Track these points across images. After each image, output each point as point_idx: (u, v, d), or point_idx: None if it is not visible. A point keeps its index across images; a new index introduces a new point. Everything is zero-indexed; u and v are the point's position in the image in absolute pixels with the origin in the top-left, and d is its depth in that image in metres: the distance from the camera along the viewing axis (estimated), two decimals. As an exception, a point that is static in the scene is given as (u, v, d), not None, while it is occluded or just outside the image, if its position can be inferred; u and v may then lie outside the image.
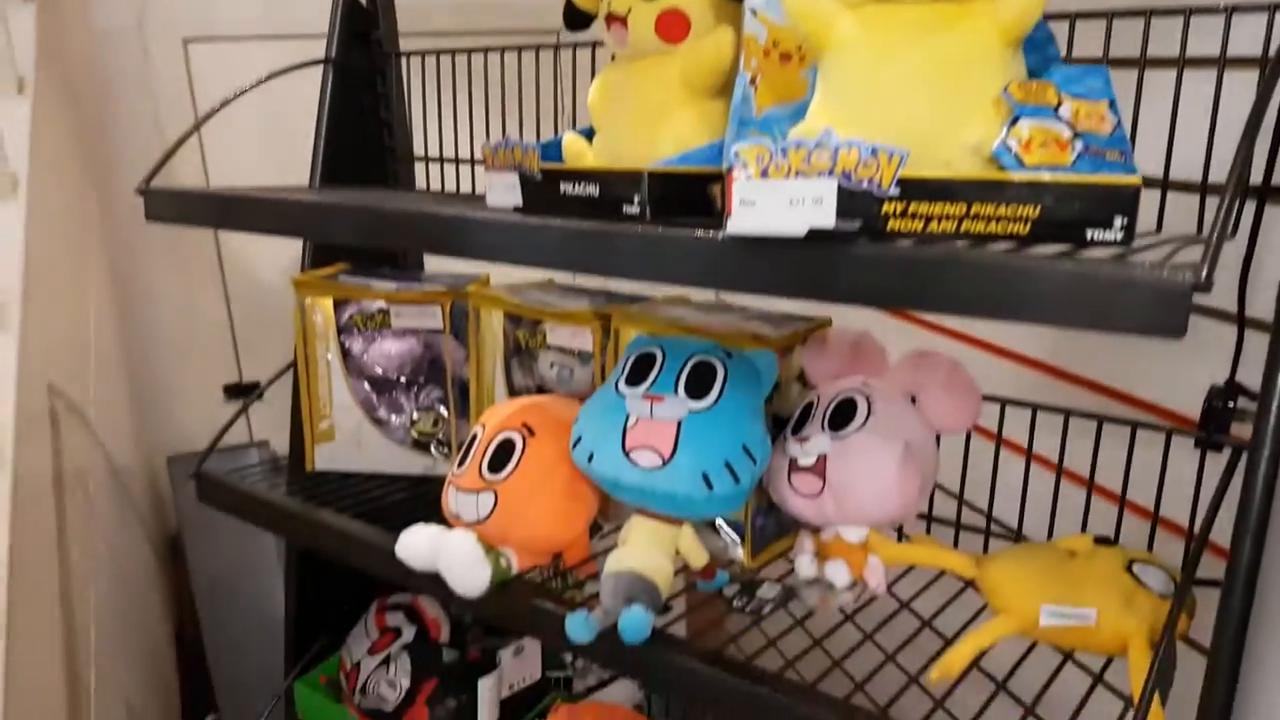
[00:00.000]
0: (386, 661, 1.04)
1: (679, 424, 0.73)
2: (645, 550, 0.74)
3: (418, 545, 0.80)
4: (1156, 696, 0.59)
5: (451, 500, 0.82)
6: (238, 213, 0.87)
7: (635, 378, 0.76)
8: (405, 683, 1.02)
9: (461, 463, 0.82)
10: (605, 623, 0.71)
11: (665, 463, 0.73)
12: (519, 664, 1.01)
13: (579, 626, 0.71)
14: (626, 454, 0.74)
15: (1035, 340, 1.12)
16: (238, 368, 1.59)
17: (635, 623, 0.69)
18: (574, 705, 1.03)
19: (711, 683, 0.67)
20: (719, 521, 0.85)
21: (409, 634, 1.07)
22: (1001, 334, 1.16)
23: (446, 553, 0.77)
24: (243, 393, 1.55)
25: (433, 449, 1.01)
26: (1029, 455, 0.85)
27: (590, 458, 0.76)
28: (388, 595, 1.14)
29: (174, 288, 1.55)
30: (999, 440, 0.87)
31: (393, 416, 1.02)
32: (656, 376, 0.75)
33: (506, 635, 1.07)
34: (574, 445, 0.77)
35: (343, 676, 1.09)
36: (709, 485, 0.72)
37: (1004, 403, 0.87)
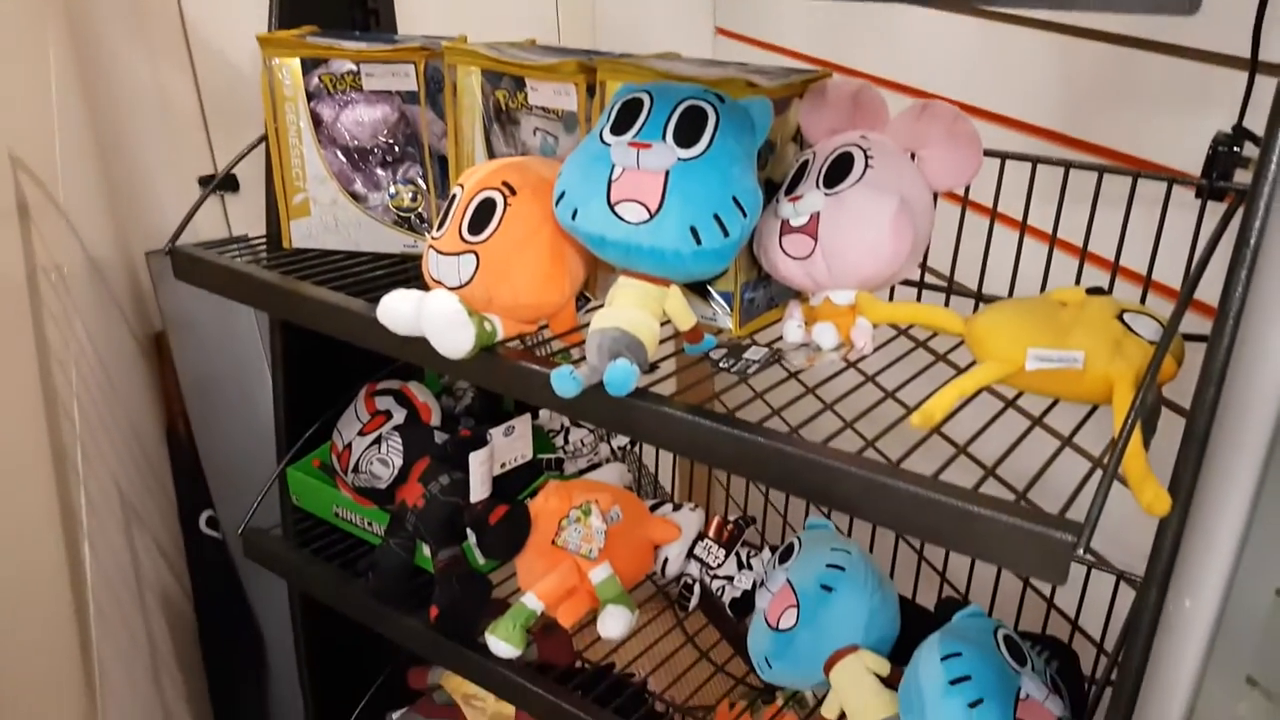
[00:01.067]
0: (378, 441, 1.05)
1: (667, 174, 0.70)
2: (631, 309, 0.73)
3: (400, 309, 0.78)
4: (1140, 438, 0.60)
5: (432, 265, 0.79)
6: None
7: (621, 126, 0.72)
8: (398, 460, 1.04)
9: (441, 225, 0.80)
10: (591, 379, 0.71)
11: (652, 216, 0.70)
12: (510, 443, 1.01)
13: (565, 381, 0.70)
14: (612, 208, 0.71)
15: (1035, 106, 1.08)
16: (212, 159, 1.53)
17: (620, 375, 0.69)
18: (565, 481, 1.05)
19: (696, 431, 0.67)
20: (710, 290, 0.83)
21: (399, 416, 1.08)
22: (1002, 100, 1.12)
23: (429, 314, 0.75)
24: (220, 186, 1.51)
25: (412, 223, 0.99)
26: (1025, 213, 0.83)
27: (574, 214, 0.73)
28: (376, 383, 1.14)
29: (140, 72, 1.47)
30: (996, 199, 0.85)
31: (370, 192, 0.99)
32: (644, 124, 0.71)
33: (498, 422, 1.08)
34: (557, 202, 0.74)
35: (334, 459, 1.10)
36: (697, 239, 0.70)
37: (1004, 156, 0.84)
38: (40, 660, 0.88)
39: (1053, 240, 0.83)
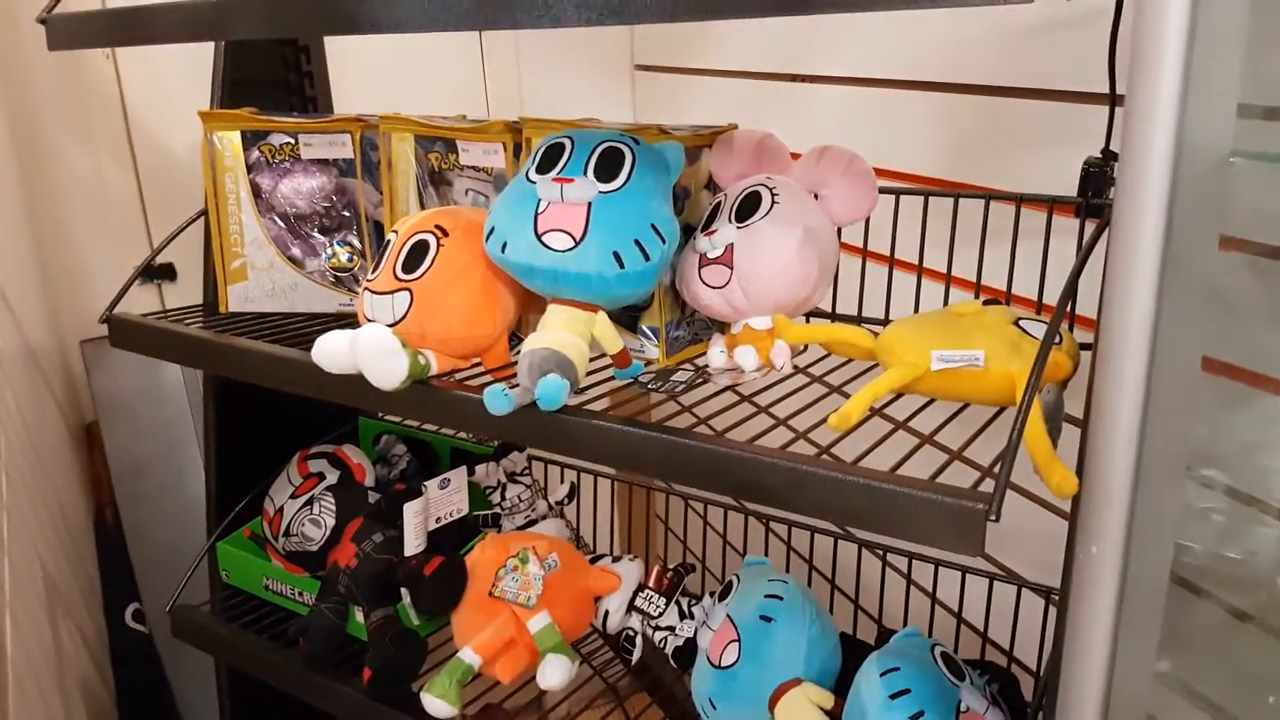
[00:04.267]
0: (310, 502, 1.05)
1: (589, 205, 0.75)
2: (560, 331, 0.76)
3: (334, 344, 0.80)
4: (1043, 426, 0.64)
5: (367, 305, 0.82)
6: (141, 25, 0.85)
7: (545, 166, 0.77)
8: (330, 521, 1.03)
9: (375, 269, 0.83)
10: (523, 399, 0.73)
11: (577, 244, 0.74)
12: (445, 497, 1.02)
13: (497, 399, 0.72)
14: (539, 238, 0.75)
15: (925, 158, 1.17)
16: (151, 250, 1.55)
17: (551, 389, 0.71)
18: (503, 535, 1.05)
19: (627, 439, 0.70)
20: (638, 324, 0.87)
21: (332, 477, 1.08)
22: (895, 157, 1.21)
23: (363, 344, 0.77)
24: (157, 275, 1.52)
25: (348, 284, 1.01)
26: (922, 239, 0.89)
27: (504, 247, 0.77)
28: (309, 449, 1.14)
29: (80, 160, 1.50)
30: (895, 229, 0.92)
31: (307, 258, 1.02)
32: (566, 162, 0.77)
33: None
34: (487, 237, 0.78)
35: (265, 525, 1.09)
36: (620, 264, 0.74)
37: (898, 192, 0.91)
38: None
39: (949, 269, 0.89)
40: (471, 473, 1.13)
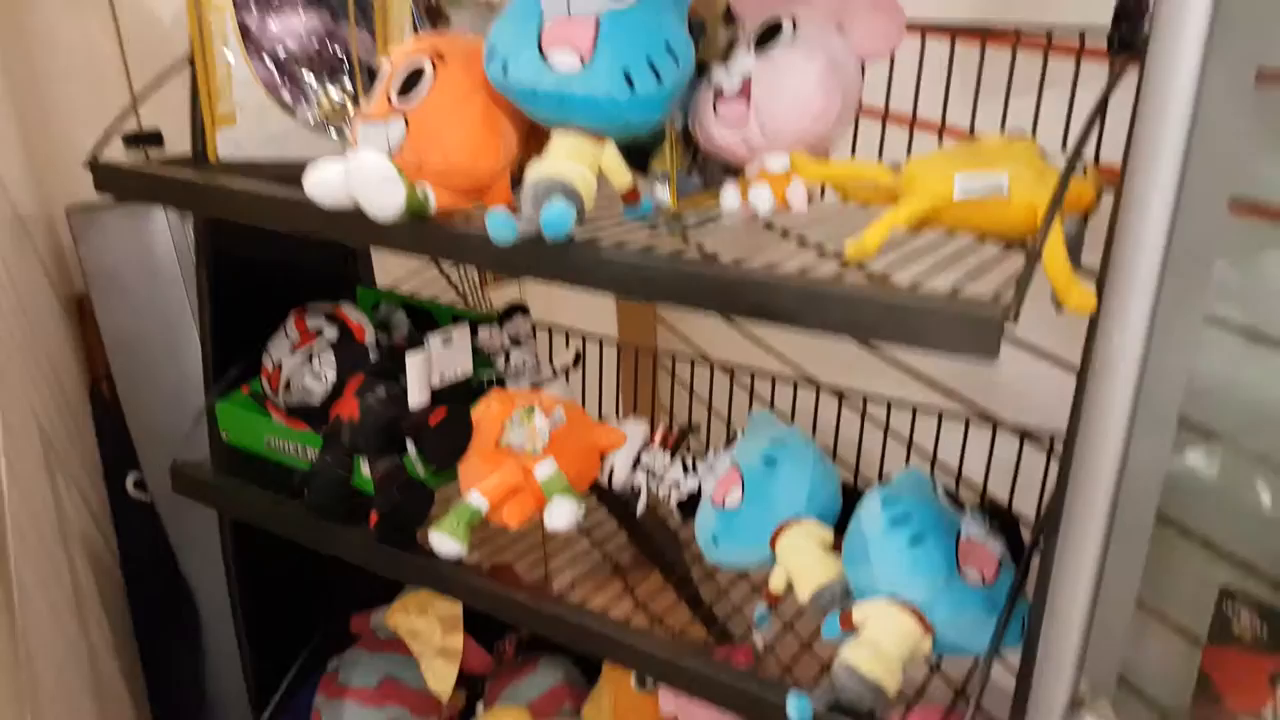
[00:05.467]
0: (310, 357, 1.03)
1: (598, 21, 0.71)
2: (565, 161, 0.73)
3: (328, 177, 0.77)
4: (1062, 246, 0.62)
5: (360, 136, 0.78)
6: None
7: (550, -20, 0.73)
8: (331, 375, 1.02)
9: (369, 99, 0.79)
10: (527, 229, 0.70)
11: (585, 64, 0.71)
12: (448, 354, 1.00)
13: (500, 225, 0.70)
14: (543, 56, 0.71)
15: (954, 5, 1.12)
16: (136, 115, 1.50)
17: (556, 215, 0.69)
18: (508, 390, 1.04)
19: (638, 269, 0.68)
20: (648, 166, 0.84)
21: (331, 334, 1.06)
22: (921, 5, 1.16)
23: (358, 170, 0.74)
24: (143, 141, 1.47)
25: (341, 130, 0.98)
26: (948, 81, 0.86)
27: (505, 69, 0.73)
28: (306, 306, 1.11)
29: (62, 25, 1.44)
30: (920, 70, 0.88)
31: (298, 103, 0.98)
32: (573, -25, 0.72)
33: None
34: (488, 60, 0.74)
35: (264, 381, 1.07)
36: (630, 85, 0.70)
37: (924, 28, 0.87)
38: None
39: (973, 114, 0.86)
40: (475, 336, 1.11)
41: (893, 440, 1.05)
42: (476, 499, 0.94)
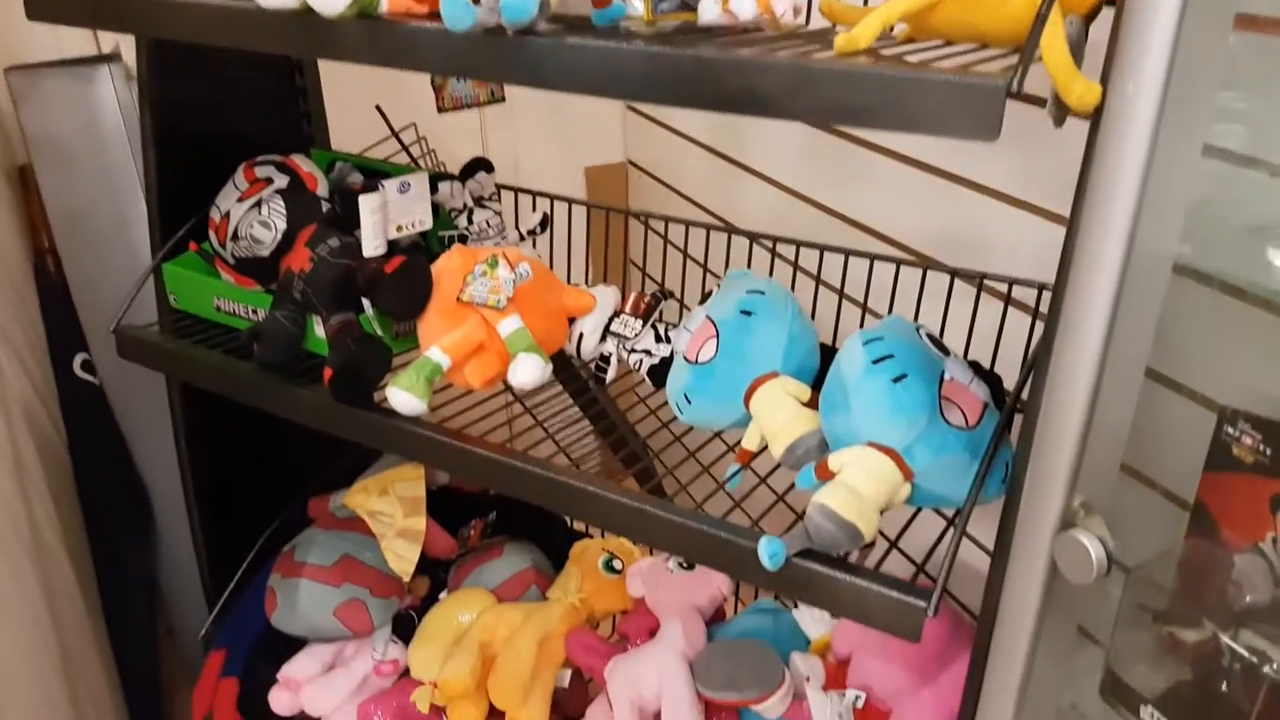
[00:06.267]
0: (259, 204, 0.97)
1: None
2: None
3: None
4: (1063, 38, 0.57)
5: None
6: None
7: None
8: (280, 224, 0.96)
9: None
10: (486, 18, 0.64)
11: None
12: (406, 202, 0.94)
13: (456, 10, 0.64)
14: None
15: None
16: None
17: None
18: (470, 247, 0.98)
19: (610, 61, 0.62)
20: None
21: (281, 181, 1.00)
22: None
23: (303, -39, 0.68)
24: None
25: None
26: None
27: None
28: (256, 157, 1.05)
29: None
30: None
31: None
32: None
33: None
34: None
35: (211, 233, 1.01)
36: None
37: None
38: None
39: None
40: (434, 190, 1.05)
41: (874, 304, 1.01)
42: (437, 354, 0.88)
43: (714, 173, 1.49)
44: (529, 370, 0.88)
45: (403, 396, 0.86)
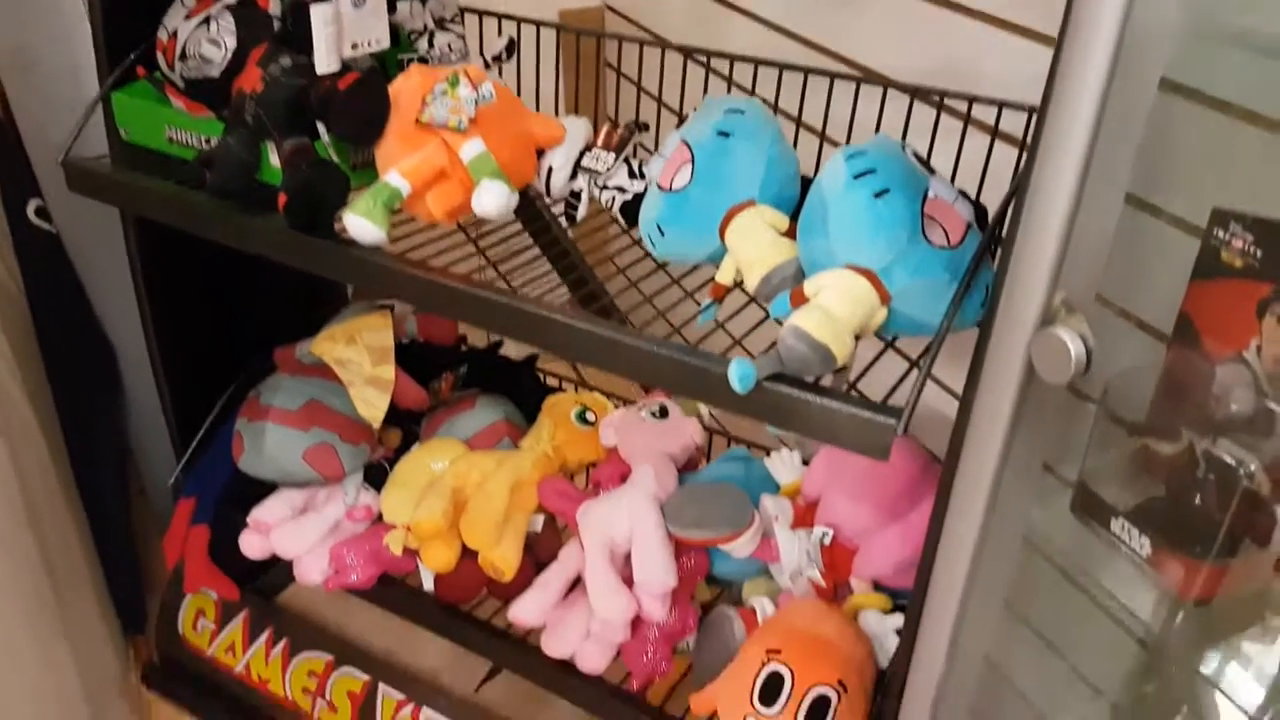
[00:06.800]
0: (207, 21, 0.91)
1: None
2: None
3: None
4: None
5: None
6: None
7: None
8: (230, 42, 0.90)
9: None
10: None
11: None
12: (361, 18, 0.88)
13: None
14: None
15: None
16: None
17: None
18: (430, 66, 0.92)
19: None
20: None
21: (232, -1, 0.93)
22: None
23: None
24: None
25: None
26: None
27: None
28: (207, -19, 0.98)
29: None
30: None
31: None
32: None
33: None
34: None
35: (160, 55, 0.95)
36: None
37: None
38: None
39: None
40: (393, 10, 0.98)
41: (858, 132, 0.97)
42: (395, 179, 0.84)
43: (697, 13, 1.41)
44: (493, 197, 0.84)
45: (360, 223, 0.83)
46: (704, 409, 1.19)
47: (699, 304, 0.84)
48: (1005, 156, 0.86)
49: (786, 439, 1.12)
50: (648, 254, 0.89)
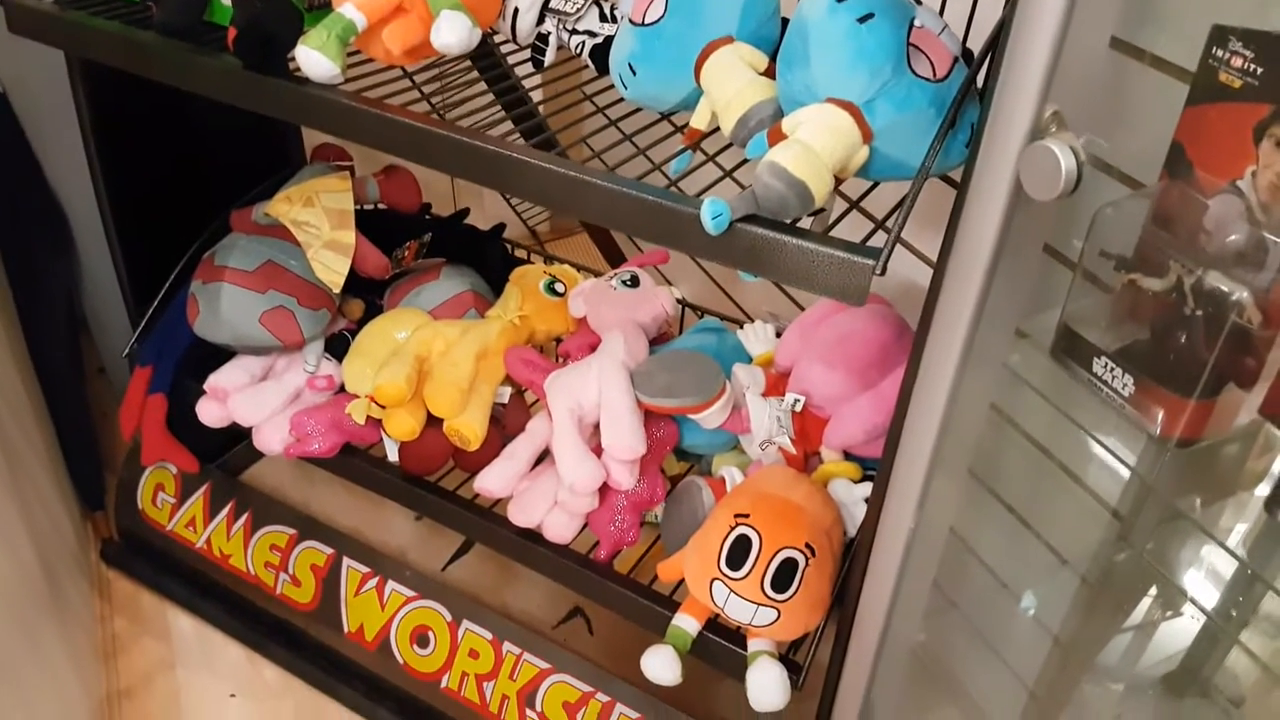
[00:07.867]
0: None
1: None
2: None
3: None
4: None
5: None
6: None
7: None
8: None
9: None
10: None
11: None
12: None
13: None
14: None
15: None
16: None
17: None
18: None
19: None
20: None
21: None
22: None
23: None
24: None
25: None
26: None
27: None
28: None
29: None
30: None
31: None
32: None
33: None
34: None
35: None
36: None
37: None
38: None
39: None
40: None
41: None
42: (350, 10, 0.79)
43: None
44: (454, 29, 0.79)
45: (314, 56, 0.77)
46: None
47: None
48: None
49: (761, 312, 1.10)
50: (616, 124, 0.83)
